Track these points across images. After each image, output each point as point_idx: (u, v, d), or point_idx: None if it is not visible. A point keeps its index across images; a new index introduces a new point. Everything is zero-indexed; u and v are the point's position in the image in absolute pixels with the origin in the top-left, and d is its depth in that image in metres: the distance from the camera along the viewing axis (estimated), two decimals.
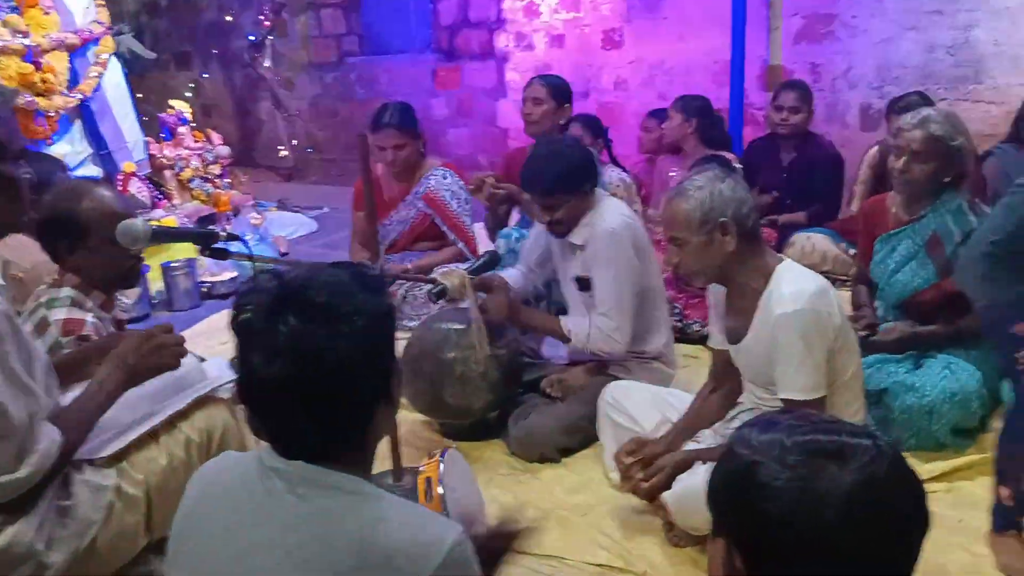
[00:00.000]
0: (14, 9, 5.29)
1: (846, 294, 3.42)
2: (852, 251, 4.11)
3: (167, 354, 1.95)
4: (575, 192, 2.90)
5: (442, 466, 2.06)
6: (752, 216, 2.24)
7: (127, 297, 2.71)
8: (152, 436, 2.00)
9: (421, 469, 2.14)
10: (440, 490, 2.02)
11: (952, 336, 2.86)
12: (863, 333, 2.90)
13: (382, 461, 2.09)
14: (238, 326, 1.28)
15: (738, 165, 4.33)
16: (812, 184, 4.66)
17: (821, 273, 4.16)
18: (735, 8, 5.60)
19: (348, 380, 1.24)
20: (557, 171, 2.88)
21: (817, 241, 4.41)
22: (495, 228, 4.20)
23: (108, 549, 1.83)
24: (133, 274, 2.42)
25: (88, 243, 2.26)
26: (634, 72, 6.62)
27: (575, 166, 2.91)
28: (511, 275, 3.23)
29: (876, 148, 4.50)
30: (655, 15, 6.38)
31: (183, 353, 1.99)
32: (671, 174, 4.51)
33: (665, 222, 2.32)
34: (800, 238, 4.45)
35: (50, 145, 5.32)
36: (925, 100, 4.17)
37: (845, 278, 4.18)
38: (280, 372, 1.21)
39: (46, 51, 5.33)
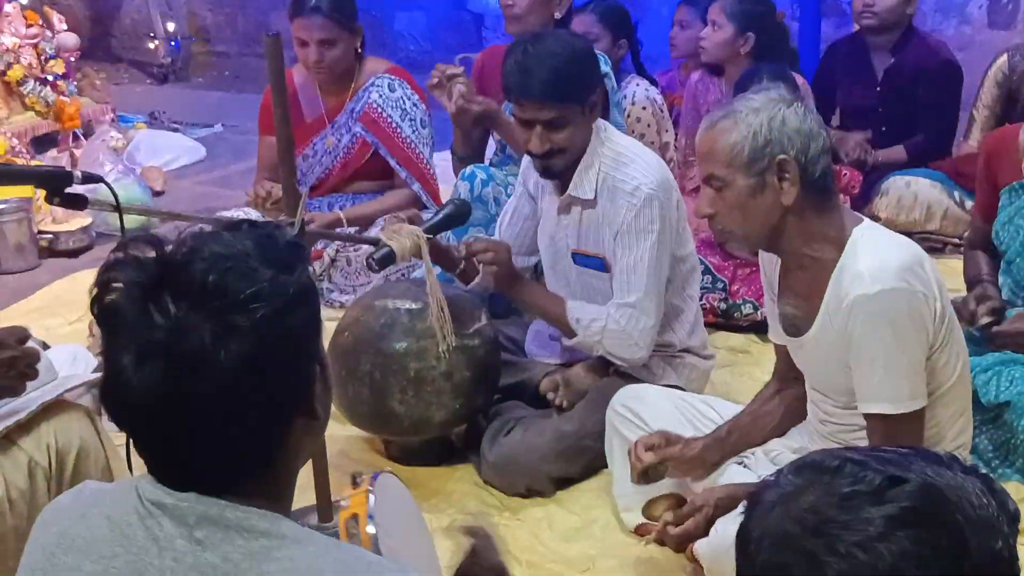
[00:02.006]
0: None
1: (959, 264, 3.51)
2: (969, 203, 4.19)
3: (14, 376, 2.06)
4: (583, 101, 2.95)
5: (372, 497, 2.13)
6: (823, 160, 2.29)
7: None
8: None
9: (343, 504, 2.20)
10: (371, 529, 2.09)
11: None
12: (985, 320, 3.01)
13: (304, 492, 2.17)
14: (102, 311, 1.35)
15: (806, 91, 4.35)
16: (916, 104, 4.68)
17: (924, 234, 4.37)
18: None
19: (247, 389, 1.31)
20: (557, 67, 2.91)
21: (920, 188, 4.49)
22: (465, 158, 4.23)
23: None
24: None
25: None
26: None
27: (581, 61, 2.97)
28: None
29: (1005, 57, 4.52)
30: None
31: (33, 376, 2.08)
32: (711, 98, 4.54)
33: (702, 153, 2.38)
34: (896, 184, 4.52)
35: None
36: None
37: (958, 241, 4.29)
38: (155, 377, 1.28)
39: None
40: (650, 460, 2.57)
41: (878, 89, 4.73)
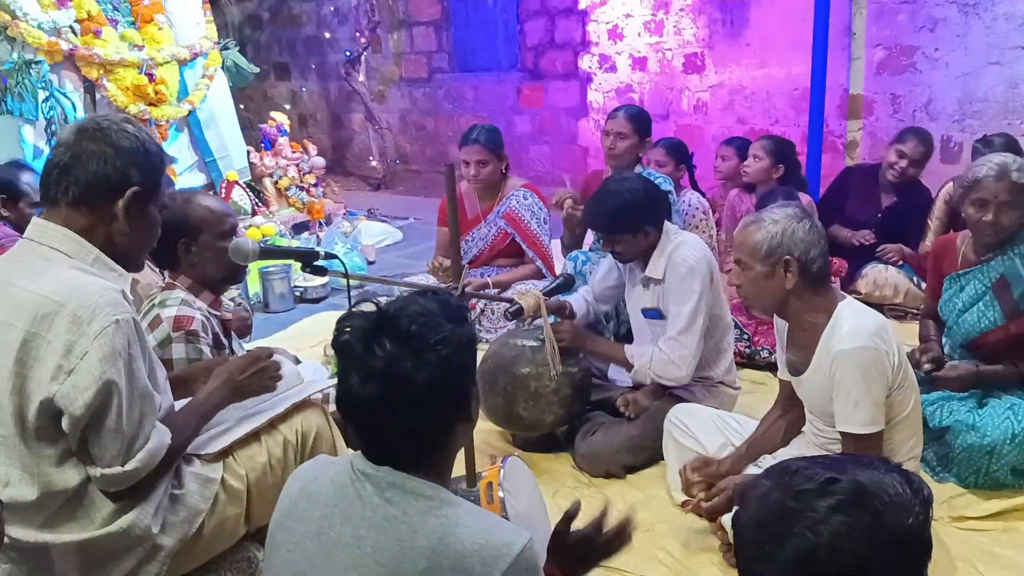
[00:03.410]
0: (131, 24, 5.64)
1: (916, 327, 3.41)
2: (924, 286, 4.06)
3: (267, 378, 2.14)
4: (635, 232, 2.96)
5: (503, 471, 2.15)
6: (820, 261, 2.27)
7: (232, 300, 2.89)
8: (254, 436, 2.16)
9: (483, 474, 2.23)
10: (500, 494, 2.10)
11: (1016, 378, 2.86)
12: (927, 367, 2.92)
13: (457, 466, 2.20)
14: (338, 346, 1.42)
15: (812, 208, 4.26)
16: (907, 230, 4.47)
17: (892, 306, 4.27)
18: (817, 36, 5.59)
19: (432, 401, 1.37)
20: (616, 211, 2.95)
21: (890, 274, 4.36)
22: (571, 246, 4.27)
23: (212, 535, 1.99)
24: (238, 273, 2.64)
25: (200, 241, 2.47)
26: (714, 96, 6.65)
27: (635, 209, 2.95)
28: (573, 300, 3.32)
29: (951, 183, 4.38)
30: (737, 40, 6.41)
31: (279, 378, 2.17)
32: (744, 208, 4.49)
33: (736, 244, 2.38)
34: (873, 270, 4.40)
35: None
36: (1010, 143, 4.02)
37: (916, 311, 4.15)
38: (373, 393, 1.35)
39: (159, 64, 5.67)
40: (695, 479, 2.51)
41: (880, 216, 4.51)
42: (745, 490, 1.19)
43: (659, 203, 3.04)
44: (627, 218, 2.95)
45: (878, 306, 4.23)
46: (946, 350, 3.07)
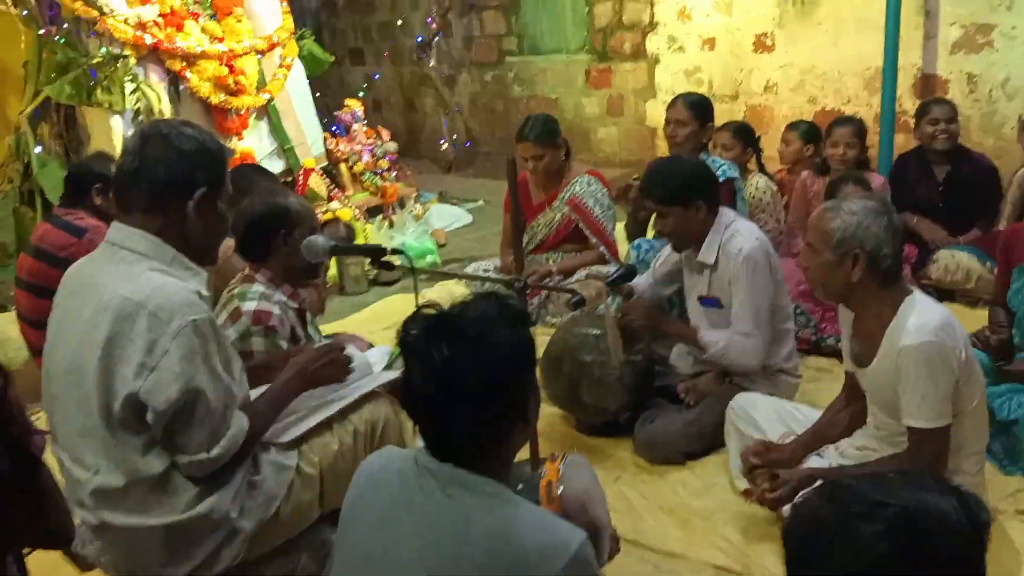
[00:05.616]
0: (212, 17, 5.78)
1: (987, 313, 3.30)
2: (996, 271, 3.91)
3: (338, 369, 2.21)
4: (686, 204, 2.93)
5: (562, 469, 2.16)
6: (889, 260, 2.20)
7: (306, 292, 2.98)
8: (326, 425, 2.22)
9: (543, 472, 2.23)
10: (560, 490, 2.12)
11: None
12: (998, 363, 2.82)
13: (521, 451, 2.22)
14: (404, 345, 1.46)
15: (886, 189, 4.14)
16: (972, 199, 4.32)
17: (964, 292, 4.11)
18: (890, 15, 5.40)
19: (488, 403, 1.39)
20: (668, 179, 2.95)
21: (961, 259, 4.19)
22: (635, 233, 4.24)
23: (288, 519, 2.06)
24: (318, 268, 2.70)
25: (296, 233, 2.54)
26: (785, 76, 6.48)
27: (687, 180, 2.94)
28: (637, 283, 3.30)
29: None
30: (809, 19, 6.21)
31: (350, 371, 2.23)
32: (815, 188, 4.36)
33: (810, 226, 2.33)
34: (944, 255, 4.24)
35: (240, 141, 5.78)
36: None
37: (988, 297, 4.00)
38: (431, 392, 1.39)
39: (238, 55, 5.79)
40: (755, 463, 2.49)
41: (940, 189, 4.38)
42: (799, 504, 1.18)
43: (711, 181, 3.01)
44: (678, 187, 2.94)
45: (949, 292, 4.10)
46: (1016, 340, 2.97)
